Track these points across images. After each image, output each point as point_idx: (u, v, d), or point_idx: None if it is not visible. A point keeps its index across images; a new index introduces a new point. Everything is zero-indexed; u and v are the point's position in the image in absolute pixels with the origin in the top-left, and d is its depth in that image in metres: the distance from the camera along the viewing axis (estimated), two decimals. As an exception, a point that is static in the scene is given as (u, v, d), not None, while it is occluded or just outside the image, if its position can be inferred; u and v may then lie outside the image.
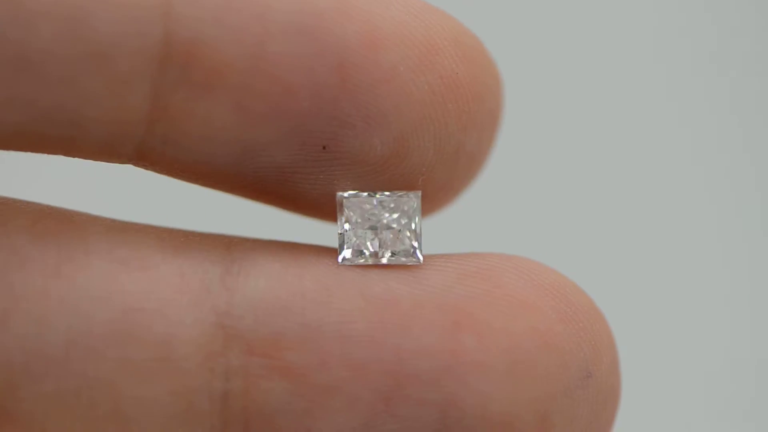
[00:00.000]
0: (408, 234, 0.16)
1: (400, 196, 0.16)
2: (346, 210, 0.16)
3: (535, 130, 0.39)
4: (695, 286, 0.40)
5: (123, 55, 0.14)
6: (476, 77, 0.16)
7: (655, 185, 0.41)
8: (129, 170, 0.17)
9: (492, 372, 0.15)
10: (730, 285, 0.40)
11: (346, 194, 0.16)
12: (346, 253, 0.16)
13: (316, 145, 0.15)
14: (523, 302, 0.16)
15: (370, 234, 0.16)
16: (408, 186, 0.16)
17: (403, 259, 0.16)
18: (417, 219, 0.16)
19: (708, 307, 0.40)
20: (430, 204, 0.17)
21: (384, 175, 0.16)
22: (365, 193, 0.16)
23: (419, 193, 0.16)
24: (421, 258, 0.16)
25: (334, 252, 0.16)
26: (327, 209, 0.16)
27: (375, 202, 0.16)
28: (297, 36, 0.15)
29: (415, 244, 0.16)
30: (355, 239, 0.16)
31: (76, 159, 0.16)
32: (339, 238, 0.16)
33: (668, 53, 0.43)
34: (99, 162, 0.16)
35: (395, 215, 0.16)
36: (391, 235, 0.16)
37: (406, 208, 0.16)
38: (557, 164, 0.41)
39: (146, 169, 0.16)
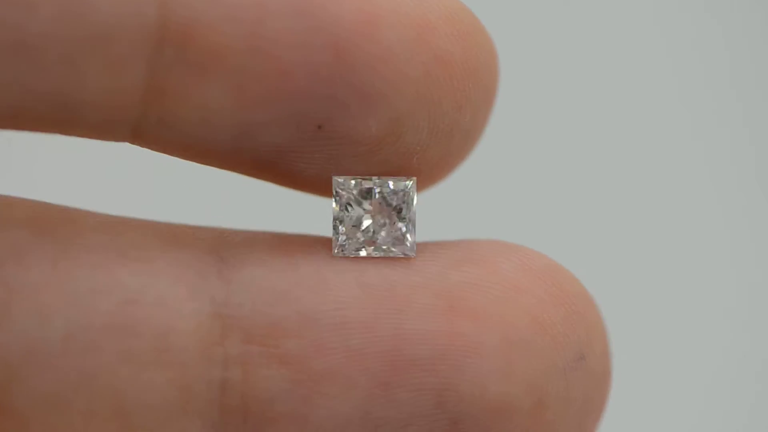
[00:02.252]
0: (402, 223, 0.16)
1: (396, 181, 0.16)
2: (341, 196, 0.16)
3: (528, 113, 0.39)
4: (684, 274, 0.40)
5: (120, 37, 0.14)
6: (471, 55, 0.16)
7: (647, 172, 0.41)
8: (125, 149, 0.17)
9: (488, 356, 0.16)
10: (717, 270, 0.41)
11: (341, 179, 0.16)
12: (341, 239, 0.16)
13: (311, 125, 0.16)
14: (517, 287, 0.16)
15: (365, 221, 0.16)
16: (403, 164, 0.16)
17: (395, 249, 0.16)
18: (411, 206, 0.17)
19: (696, 292, 0.40)
20: (424, 180, 0.17)
21: (379, 154, 0.16)
22: (360, 178, 0.16)
23: (414, 179, 0.16)
24: (414, 252, 0.16)
25: (329, 242, 0.17)
26: (324, 187, 0.17)
27: (370, 187, 0.16)
28: (293, 16, 0.15)
29: (410, 237, 0.16)
30: (349, 227, 0.16)
31: (72, 139, 0.16)
32: (333, 226, 0.16)
33: (664, 42, 0.43)
34: (95, 140, 0.16)
35: (390, 202, 0.16)
36: (386, 222, 0.16)
37: (401, 194, 0.16)
38: (548, 150, 0.41)
39: (143, 147, 0.16)
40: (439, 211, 0.21)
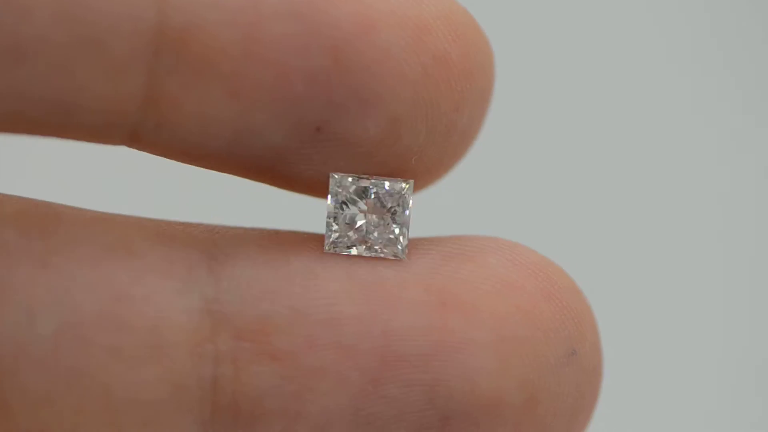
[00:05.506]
0: (396, 225, 0.16)
1: (392, 182, 0.16)
2: (336, 193, 0.16)
3: (520, 111, 0.39)
4: (675, 271, 0.40)
5: (118, 41, 0.14)
6: (468, 55, 0.16)
7: (639, 170, 0.41)
8: (119, 152, 0.17)
9: (479, 351, 0.16)
10: (709, 267, 0.41)
11: (338, 176, 0.16)
12: (333, 236, 0.16)
13: (309, 127, 0.16)
14: (508, 282, 0.16)
15: (359, 219, 0.16)
16: (401, 165, 0.16)
17: (386, 251, 0.16)
18: (407, 209, 0.16)
19: (687, 289, 0.40)
20: (421, 180, 0.17)
21: (377, 156, 0.16)
22: (357, 176, 0.16)
23: (411, 182, 0.16)
24: (405, 255, 0.16)
25: (320, 239, 0.17)
26: (321, 188, 0.17)
27: (366, 186, 0.16)
28: (290, 19, 0.15)
29: (402, 239, 0.16)
30: (342, 224, 0.16)
31: (66, 142, 0.16)
32: (327, 223, 0.16)
33: (660, 43, 0.43)
34: (91, 143, 0.16)
35: (385, 203, 0.16)
36: (380, 223, 0.16)
37: (396, 196, 0.16)
38: (540, 147, 0.41)
39: (140, 150, 0.16)
40: (430, 208, 0.21)
